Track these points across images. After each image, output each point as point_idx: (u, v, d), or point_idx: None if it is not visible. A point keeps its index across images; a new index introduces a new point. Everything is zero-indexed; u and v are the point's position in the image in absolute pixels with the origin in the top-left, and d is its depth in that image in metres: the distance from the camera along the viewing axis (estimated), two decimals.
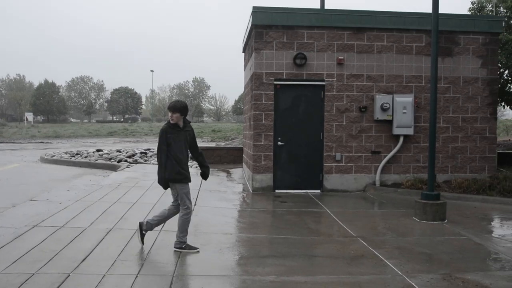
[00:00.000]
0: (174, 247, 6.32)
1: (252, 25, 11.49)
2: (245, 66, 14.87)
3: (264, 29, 11.36)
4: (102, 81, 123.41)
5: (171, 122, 6.27)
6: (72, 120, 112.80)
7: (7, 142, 36.11)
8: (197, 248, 6.34)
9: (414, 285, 5.19)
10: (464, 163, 11.90)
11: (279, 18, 11.33)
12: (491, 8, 16.45)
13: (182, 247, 6.29)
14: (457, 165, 11.88)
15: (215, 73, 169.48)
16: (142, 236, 6.41)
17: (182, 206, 6.36)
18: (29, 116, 77.41)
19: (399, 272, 5.61)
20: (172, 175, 6.19)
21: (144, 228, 6.42)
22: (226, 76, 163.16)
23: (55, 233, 6.91)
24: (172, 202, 6.50)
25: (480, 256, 6.45)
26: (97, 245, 6.37)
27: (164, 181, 6.23)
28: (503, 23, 13.98)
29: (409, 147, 11.75)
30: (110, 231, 7.14)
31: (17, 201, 9.72)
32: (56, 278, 5.08)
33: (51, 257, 5.77)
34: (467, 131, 11.89)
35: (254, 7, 11.30)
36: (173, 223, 7.75)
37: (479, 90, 11.91)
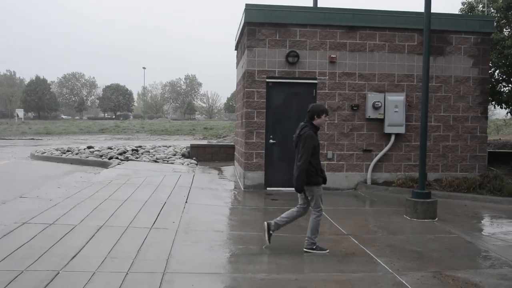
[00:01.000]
0: (305, 248, 6.34)
1: (244, 22, 11.47)
2: (237, 63, 14.84)
3: (257, 26, 11.34)
4: (94, 77, 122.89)
5: (317, 125, 6.42)
6: (64, 116, 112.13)
7: None
8: (327, 250, 6.36)
9: (405, 283, 5.20)
10: (455, 161, 11.96)
11: (272, 16, 11.32)
12: (481, 9, 16.53)
13: (313, 248, 6.32)
14: (448, 164, 11.93)
15: (208, 70, 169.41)
16: (269, 236, 6.48)
17: (315, 208, 6.37)
18: (20, 112, 76.81)
19: (390, 270, 5.63)
20: (312, 178, 6.22)
21: (272, 229, 6.50)
22: (218, 74, 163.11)
23: (45, 230, 6.86)
24: (300, 205, 6.58)
25: (470, 254, 6.48)
26: (87, 242, 6.33)
27: (303, 185, 6.22)
28: (494, 23, 14.05)
29: (400, 145, 11.78)
30: (100, 228, 7.09)
31: (6, 198, 9.64)
32: (45, 275, 5.04)
33: (41, 254, 5.73)
34: (458, 130, 11.95)
35: (246, 5, 11.28)
36: (164, 220, 7.74)
37: (471, 90, 11.97)
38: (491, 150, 15.77)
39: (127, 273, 5.23)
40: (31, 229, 6.88)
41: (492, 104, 17.43)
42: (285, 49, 11.38)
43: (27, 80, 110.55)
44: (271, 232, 6.48)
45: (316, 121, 6.40)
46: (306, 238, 6.38)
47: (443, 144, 11.91)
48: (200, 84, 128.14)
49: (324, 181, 6.41)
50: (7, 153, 21.25)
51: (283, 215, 6.59)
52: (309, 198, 6.36)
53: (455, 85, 11.91)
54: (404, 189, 10.83)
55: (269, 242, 6.46)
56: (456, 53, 11.88)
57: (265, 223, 6.55)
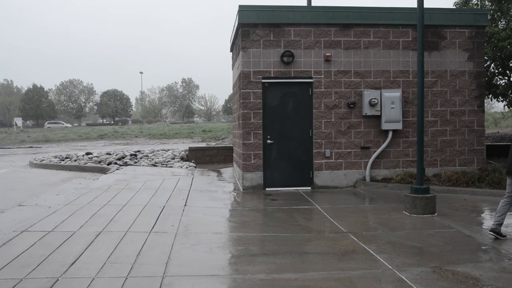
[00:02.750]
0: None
1: (238, 23, 11.46)
2: (233, 65, 14.84)
3: (251, 27, 11.34)
4: (92, 84, 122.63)
5: None
6: (63, 124, 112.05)
7: None
8: (505, 236, 6.86)
9: (405, 279, 5.20)
10: (453, 156, 11.95)
11: (266, 16, 11.32)
12: (476, 2, 16.53)
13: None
14: (446, 159, 11.93)
15: (205, 73, 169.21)
16: (504, 236, 6.84)
17: None
18: (18, 121, 76.74)
19: (390, 267, 5.62)
20: None
21: (499, 232, 6.83)
22: (216, 76, 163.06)
23: (44, 238, 6.85)
24: (508, 192, 6.92)
25: (470, 248, 6.48)
26: (86, 249, 6.32)
27: None
28: (489, 16, 14.05)
29: (398, 141, 11.78)
30: (99, 234, 7.08)
31: (5, 207, 9.62)
32: (44, 283, 5.03)
33: (40, 262, 5.72)
34: (455, 124, 11.94)
35: (240, 6, 11.28)
36: (163, 224, 7.73)
37: (467, 83, 11.97)
38: (489, 143, 15.77)
39: (126, 278, 5.22)
40: (30, 237, 6.87)
41: (488, 97, 17.42)
42: (280, 49, 11.38)
43: (24, 89, 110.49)
44: (504, 235, 6.85)
45: None
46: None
47: (440, 139, 11.91)
48: (197, 87, 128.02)
49: None
50: (5, 162, 21.22)
51: (498, 214, 6.89)
52: None
53: (451, 80, 11.91)
54: (403, 185, 10.82)
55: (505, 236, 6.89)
56: (451, 47, 11.88)
57: (490, 233, 6.89)
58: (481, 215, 8.81)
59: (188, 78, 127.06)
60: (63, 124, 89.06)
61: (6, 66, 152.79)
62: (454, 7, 17.07)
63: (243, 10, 11.27)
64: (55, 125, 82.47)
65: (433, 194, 8.70)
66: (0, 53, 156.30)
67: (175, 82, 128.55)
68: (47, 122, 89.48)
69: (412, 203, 8.53)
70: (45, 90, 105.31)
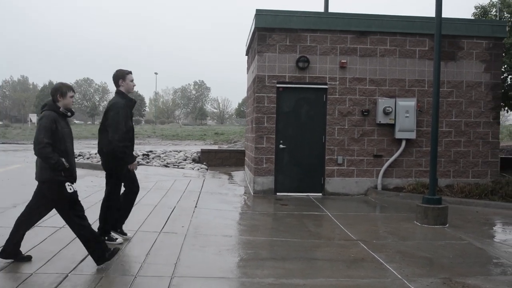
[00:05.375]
0: None
1: (255, 28, 11.49)
2: (248, 69, 14.87)
3: (267, 32, 11.35)
4: (105, 83, 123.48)
5: None
6: (76, 121, 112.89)
7: (10, 143, 36.15)
8: None
9: None
10: (466, 167, 11.85)
11: (282, 21, 11.33)
12: (494, 13, 16.41)
13: None
14: (460, 170, 11.83)
15: (220, 76, 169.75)
16: None
17: None
18: (33, 117, 77.44)
19: (399, 276, 5.58)
20: None
21: None
22: (230, 79, 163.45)
23: (54, 234, 6.90)
24: None
25: (481, 260, 6.41)
26: None
27: None
28: (507, 28, 13.94)
29: (411, 151, 11.71)
30: None
31: (18, 202, 9.70)
32: (54, 278, 5.07)
33: (50, 257, 5.76)
34: (469, 135, 11.85)
35: (257, 10, 11.31)
36: (173, 224, 7.75)
37: (482, 95, 11.87)
38: (503, 156, 15.61)
39: (135, 277, 5.24)
40: (41, 232, 6.93)
41: (504, 109, 17.25)
42: (296, 54, 11.38)
43: (40, 86, 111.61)
44: None
45: None
46: None
47: (454, 149, 11.82)
48: (208, 89, 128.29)
49: None
50: (19, 158, 21.43)
51: None
52: None
53: (466, 90, 11.82)
54: (415, 195, 10.74)
55: None
56: (467, 58, 11.80)
57: None
58: (493, 228, 8.72)
59: (200, 81, 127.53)
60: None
61: (22, 62, 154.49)
62: (472, 17, 16.95)
63: (260, 14, 11.30)
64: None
65: (445, 205, 8.63)
66: (16, 51, 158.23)
67: (189, 83, 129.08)
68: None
69: (423, 213, 8.46)
70: None
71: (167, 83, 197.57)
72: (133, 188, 6.85)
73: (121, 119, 6.26)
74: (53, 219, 7.78)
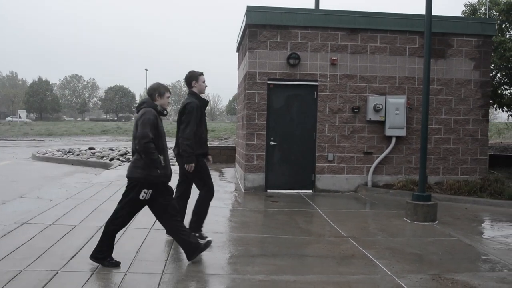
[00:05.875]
0: None
1: (246, 24, 11.48)
2: (238, 65, 14.85)
3: (258, 28, 11.34)
4: (94, 79, 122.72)
5: None
6: (66, 118, 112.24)
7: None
8: None
9: (403, 285, 5.19)
10: (455, 164, 11.94)
11: (273, 18, 11.32)
12: (484, 11, 16.53)
13: None
14: (449, 167, 11.91)
15: (210, 72, 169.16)
16: None
17: None
18: (22, 113, 77.00)
19: (389, 272, 5.62)
20: None
21: None
22: (220, 76, 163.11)
23: (44, 230, 6.87)
24: None
25: (470, 257, 6.46)
26: (86, 243, 6.34)
27: None
28: (496, 26, 14.05)
29: (401, 148, 11.77)
30: (100, 228, 7.05)
31: (7, 198, 9.66)
32: (44, 275, 5.05)
33: (40, 254, 5.74)
34: (459, 133, 11.93)
35: (248, 6, 11.29)
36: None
37: (472, 92, 11.95)
38: (492, 153, 15.75)
39: (125, 274, 5.23)
40: (30, 229, 6.89)
41: (493, 107, 17.39)
42: (286, 51, 11.38)
43: (29, 82, 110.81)
44: None
45: None
46: None
47: (444, 147, 11.90)
48: None
49: None
50: (8, 154, 21.30)
51: None
52: None
53: (456, 88, 11.89)
54: (405, 192, 10.80)
55: None
56: (457, 55, 11.87)
57: None
58: (482, 224, 8.80)
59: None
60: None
61: (11, 58, 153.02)
62: (462, 16, 17.05)
63: (251, 11, 11.28)
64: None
65: (435, 202, 8.69)
66: (5, 45, 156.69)
67: (179, 80, 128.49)
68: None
69: (413, 210, 8.52)
70: (50, 83, 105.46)
71: (157, 79, 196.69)
72: (203, 191, 6.99)
73: (193, 119, 6.49)
74: (43, 215, 7.77)
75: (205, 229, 7.45)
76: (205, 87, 6.95)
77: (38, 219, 7.51)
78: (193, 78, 6.80)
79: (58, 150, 20.31)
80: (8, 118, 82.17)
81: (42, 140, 35.54)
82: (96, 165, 16.28)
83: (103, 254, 5.45)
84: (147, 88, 5.77)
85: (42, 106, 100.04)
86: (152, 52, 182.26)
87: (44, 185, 11.43)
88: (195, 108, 6.55)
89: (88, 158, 17.67)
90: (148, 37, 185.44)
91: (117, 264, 5.44)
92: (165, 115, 5.82)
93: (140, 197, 5.47)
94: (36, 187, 11.10)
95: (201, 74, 6.88)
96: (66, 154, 19.10)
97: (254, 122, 11.36)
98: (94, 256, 5.46)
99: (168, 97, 5.84)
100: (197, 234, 6.60)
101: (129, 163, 5.71)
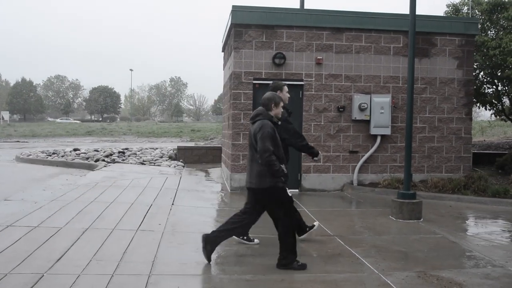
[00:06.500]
0: None
1: (231, 24, 11.48)
2: (224, 65, 14.84)
3: (244, 28, 11.35)
4: (77, 79, 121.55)
5: None
6: (50, 119, 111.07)
7: None
8: None
9: (390, 283, 5.24)
10: (440, 162, 12.06)
11: (259, 18, 11.34)
12: (466, 11, 16.69)
13: None
14: (433, 165, 12.03)
15: (195, 72, 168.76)
16: None
17: None
18: (5, 115, 76.06)
19: (375, 270, 5.66)
20: None
21: None
22: (206, 76, 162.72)
23: (29, 233, 6.80)
24: None
25: (455, 254, 6.54)
26: (72, 245, 6.29)
27: None
28: (479, 25, 14.20)
29: (386, 147, 11.86)
30: (86, 230, 7.05)
31: None
32: (29, 278, 5.00)
33: (25, 257, 5.67)
34: (443, 131, 12.05)
35: (233, 6, 11.29)
36: (150, 222, 7.71)
37: (455, 91, 12.08)
38: (475, 151, 15.91)
39: (112, 276, 5.20)
40: (15, 232, 6.81)
41: (476, 105, 17.57)
42: (272, 51, 11.40)
43: (12, 82, 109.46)
44: None
45: None
46: None
47: (428, 145, 12.01)
48: (185, 85, 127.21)
49: None
50: None
51: None
52: None
53: (440, 87, 12.01)
54: (390, 190, 10.88)
55: None
56: (441, 54, 11.99)
57: None
58: (466, 222, 8.91)
59: (176, 77, 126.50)
60: (70, 119, 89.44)
61: None
62: (444, 15, 17.20)
63: (236, 10, 11.28)
64: (66, 121, 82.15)
65: (420, 200, 8.77)
66: None
67: (164, 81, 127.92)
68: (59, 118, 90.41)
69: (398, 208, 8.59)
70: (33, 84, 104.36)
71: (143, 80, 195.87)
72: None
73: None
74: (28, 218, 7.69)
75: (191, 230, 7.46)
76: (288, 97, 7.05)
77: (23, 222, 7.42)
78: (278, 88, 6.85)
79: (43, 152, 20.09)
80: None
81: (26, 142, 35.14)
82: (81, 166, 16.15)
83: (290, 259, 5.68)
84: (262, 97, 5.92)
85: (26, 107, 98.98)
86: (137, 52, 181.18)
87: (28, 187, 11.31)
88: (282, 120, 6.52)
89: (73, 159, 17.52)
90: (132, 37, 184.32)
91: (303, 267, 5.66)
92: (279, 125, 5.99)
93: (289, 194, 5.81)
94: (21, 189, 10.97)
95: (285, 84, 6.99)
96: (50, 155, 18.90)
97: (240, 122, 11.37)
98: (283, 264, 5.66)
99: (282, 106, 5.98)
100: (244, 237, 6.71)
101: (249, 173, 6.02)
